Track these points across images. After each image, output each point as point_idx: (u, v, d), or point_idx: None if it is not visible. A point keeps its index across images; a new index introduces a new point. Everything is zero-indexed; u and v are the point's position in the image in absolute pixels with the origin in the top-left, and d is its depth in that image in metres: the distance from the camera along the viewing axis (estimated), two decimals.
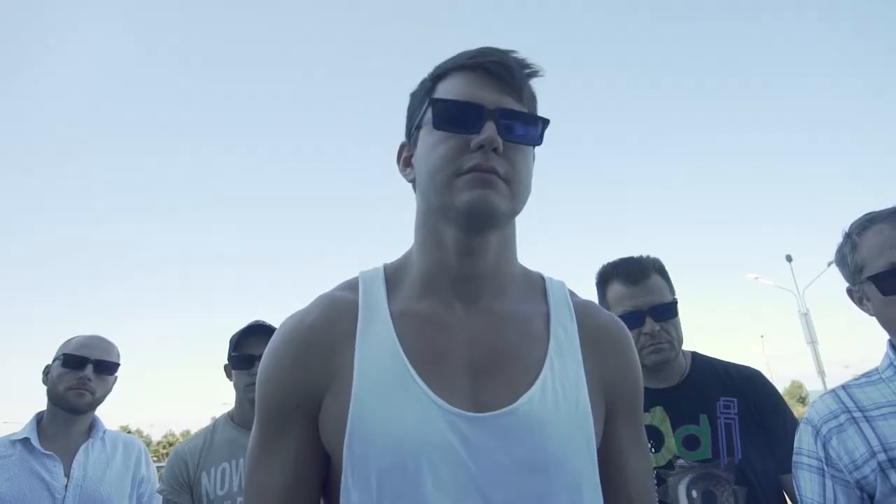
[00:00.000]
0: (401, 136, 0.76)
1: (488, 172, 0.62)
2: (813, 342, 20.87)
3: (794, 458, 0.98)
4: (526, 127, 0.66)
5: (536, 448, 0.60)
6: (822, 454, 0.92)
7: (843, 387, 0.96)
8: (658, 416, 1.24)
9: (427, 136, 0.68)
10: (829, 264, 22.52)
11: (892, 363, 0.92)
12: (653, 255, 1.35)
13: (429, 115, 0.67)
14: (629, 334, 0.74)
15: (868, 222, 0.94)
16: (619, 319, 0.75)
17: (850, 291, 0.98)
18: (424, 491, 0.58)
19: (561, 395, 0.63)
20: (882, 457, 0.84)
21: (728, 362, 1.32)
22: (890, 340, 0.93)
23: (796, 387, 43.43)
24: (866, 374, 0.96)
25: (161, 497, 1.66)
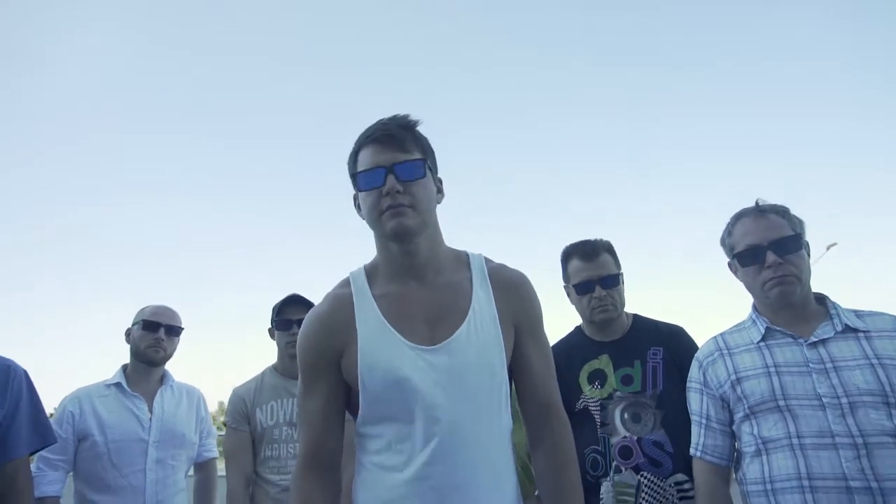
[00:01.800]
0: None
1: (397, 207, 1.00)
2: None
3: (687, 385, 1.38)
4: (413, 169, 1.03)
5: (465, 360, 1.00)
6: (702, 379, 1.32)
7: (721, 334, 1.35)
8: (604, 361, 1.63)
9: (360, 193, 1.06)
10: (829, 248, 22.67)
11: (751, 317, 1.30)
12: (666, 233, 1.72)
13: (357, 180, 1.06)
14: (528, 281, 1.13)
15: (739, 216, 1.31)
16: (521, 272, 1.14)
17: (729, 265, 1.35)
18: (406, 395, 0.98)
19: (481, 328, 1.03)
20: (734, 377, 1.23)
21: (660, 321, 1.70)
22: (753, 303, 1.32)
23: None
24: (736, 325, 1.34)
25: (214, 433, 2.09)
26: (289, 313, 1.91)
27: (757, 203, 1.32)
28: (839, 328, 1.19)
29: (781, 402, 1.15)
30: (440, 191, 1.11)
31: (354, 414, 1.07)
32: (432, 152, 1.10)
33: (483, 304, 1.05)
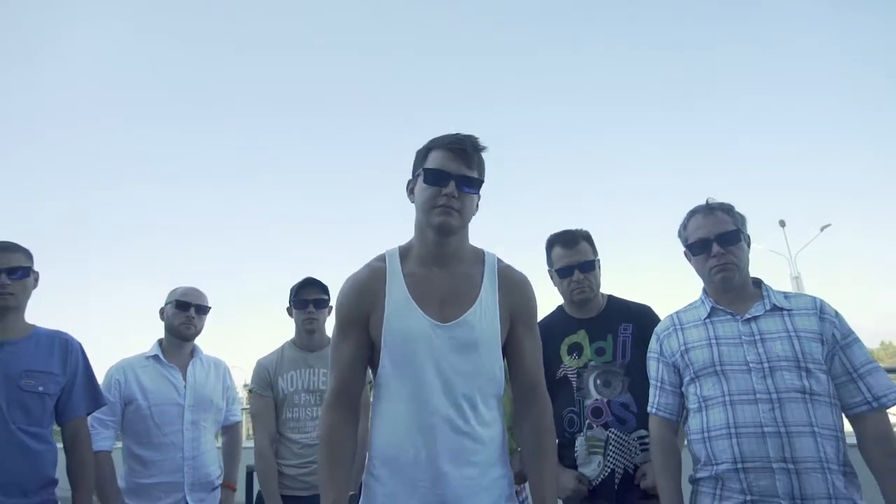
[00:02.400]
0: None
1: (449, 207, 1.23)
2: None
3: (647, 355, 1.63)
4: (471, 186, 1.26)
5: (470, 337, 1.24)
6: (658, 349, 1.57)
7: (677, 312, 1.60)
8: (581, 336, 1.88)
9: (421, 184, 1.27)
10: (823, 229, 22.95)
11: (700, 298, 1.55)
12: (655, 217, 1.93)
13: (422, 174, 1.27)
14: (529, 282, 1.36)
15: (692, 213, 1.55)
16: (524, 275, 1.37)
17: (685, 253, 1.60)
18: (417, 358, 1.22)
19: (484, 313, 1.26)
20: (683, 348, 1.49)
21: (631, 301, 1.95)
22: (703, 287, 1.57)
23: None
24: (690, 304, 1.59)
25: (238, 399, 2.35)
26: (304, 294, 2.15)
27: (707, 202, 1.56)
28: (768, 307, 1.44)
29: (718, 368, 1.41)
30: (478, 206, 1.33)
31: (374, 368, 1.32)
32: (485, 171, 1.32)
33: (489, 294, 1.28)
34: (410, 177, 1.35)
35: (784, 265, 23.29)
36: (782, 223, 22.30)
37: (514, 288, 1.33)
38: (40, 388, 1.63)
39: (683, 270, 1.66)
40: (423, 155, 1.31)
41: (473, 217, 1.33)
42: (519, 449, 1.61)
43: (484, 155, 1.31)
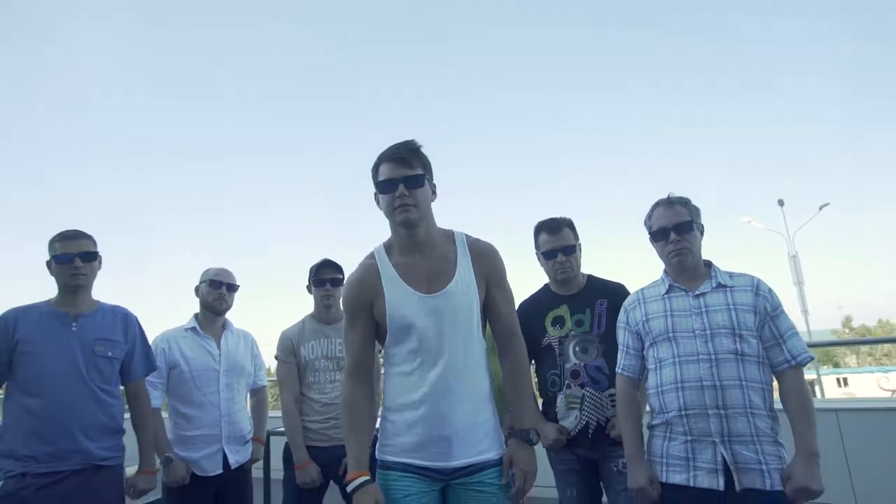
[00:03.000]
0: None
1: (405, 206, 1.49)
2: (799, 283, 21.85)
3: (616, 324, 1.93)
4: (416, 181, 1.51)
5: (452, 303, 1.51)
6: (625, 320, 1.86)
7: (642, 288, 1.88)
8: (563, 309, 2.18)
9: (379, 195, 1.55)
10: (821, 208, 23.08)
11: (661, 277, 1.84)
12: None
13: (377, 187, 1.54)
14: (495, 249, 1.62)
15: (655, 205, 1.83)
16: (490, 243, 1.63)
17: (649, 239, 1.88)
18: (418, 329, 1.50)
19: (463, 283, 1.53)
20: (644, 318, 1.78)
21: (607, 280, 2.23)
22: (664, 268, 1.85)
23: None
24: (653, 282, 1.88)
25: (264, 366, 2.67)
26: (323, 274, 2.45)
27: (668, 196, 1.83)
28: (714, 285, 1.73)
29: (671, 335, 1.70)
30: (434, 192, 1.60)
31: (382, 340, 1.61)
32: (430, 166, 1.58)
33: (464, 267, 1.56)
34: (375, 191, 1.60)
35: (782, 244, 23.50)
36: (781, 202, 22.44)
37: (483, 256, 1.60)
38: (109, 354, 1.94)
39: None
40: (375, 170, 1.58)
41: (433, 202, 1.59)
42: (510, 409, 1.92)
43: (423, 152, 1.57)
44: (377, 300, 1.55)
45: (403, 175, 1.51)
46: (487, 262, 1.60)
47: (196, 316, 2.50)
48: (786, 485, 1.52)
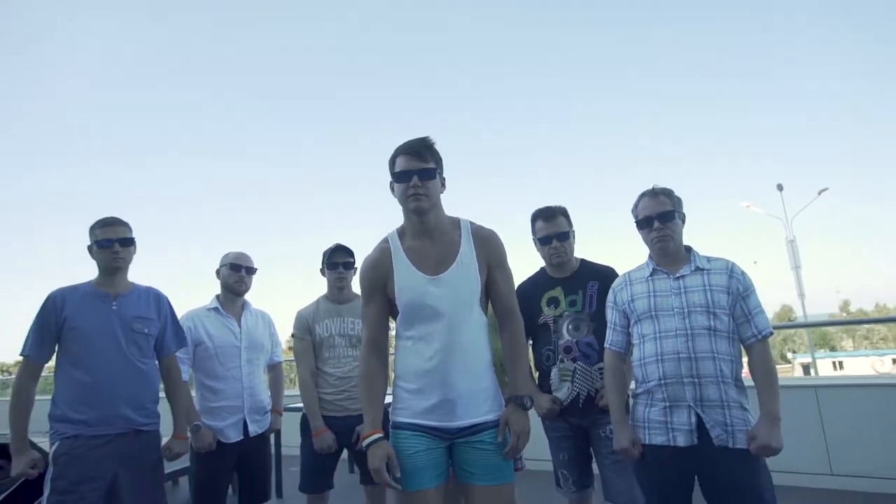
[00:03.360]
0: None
1: (417, 195, 1.67)
2: (796, 267, 22.06)
3: (606, 304, 2.12)
4: (428, 174, 1.67)
5: (456, 284, 1.70)
6: (613, 300, 2.06)
7: (629, 271, 2.07)
8: (558, 291, 2.37)
9: (395, 184, 1.72)
10: (820, 193, 23.16)
11: (646, 261, 2.02)
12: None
13: (393, 177, 1.72)
14: (496, 235, 1.78)
15: (641, 195, 2.01)
16: (492, 230, 1.80)
17: (636, 227, 2.06)
18: (426, 307, 1.68)
19: (466, 266, 1.71)
20: (630, 298, 1.97)
21: (598, 264, 2.42)
22: (649, 253, 2.03)
23: (786, 310, 45.30)
24: (639, 266, 2.06)
25: (281, 343, 2.86)
26: (336, 258, 2.64)
27: (653, 188, 2.01)
28: (693, 268, 1.91)
29: (653, 313, 1.90)
30: (443, 185, 1.77)
31: (395, 315, 1.80)
32: (441, 161, 1.76)
33: (467, 251, 1.74)
34: (390, 181, 1.78)
35: (781, 229, 23.63)
36: (780, 187, 22.54)
37: (485, 242, 1.78)
38: (146, 331, 2.13)
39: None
40: (392, 162, 1.75)
41: (442, 193, 1.76)
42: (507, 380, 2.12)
43: (436, 147, 1.75)
44: (390, 280, 1.73)
45: (418, 168, 1.69)
46: (489, 247, 1.78)
47: (217, 297, 2.69)
48: (750, 444, 1.73)
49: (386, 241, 1.79)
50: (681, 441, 1.79)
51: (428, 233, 1.75)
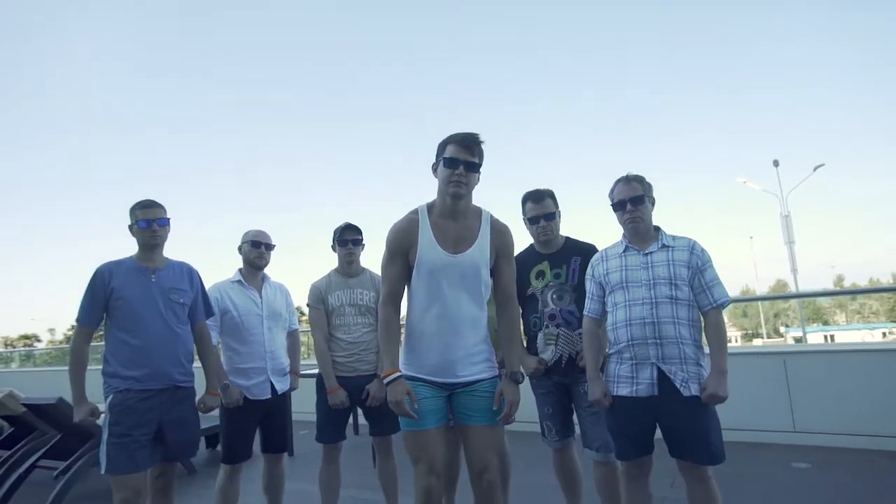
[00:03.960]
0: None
1: (459, 182, 1.95)
2: (790, 242, 22.39)
3: (585, 277, 2.42)
4: (473, 168, 1.95)
5: (468, 264, 1.99)
6: (591, 273, 2.35)
7: (605, 248, 2.36)
8: (545, 265, 2.66)
9: (441, 166, 1.99)
10: (816, 169, 23.32)
11: (621, 239, 2.31)
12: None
13: (442, 160, 1.98)
14: (509, 229, 2.09)
15: (616, 181, 2.28)
16: (506, 225, 2.10)
17: (612, 209, 2.34)
18: (439, 279, 1.99)
19: (479, 251, 2.01)
20: (605, 271, 2.27)
21: (580, 241, 2.70)
22: (623, 232, 2.32)
23: (781, 285, 45.86)
24: (614, 243, 2.35)
25: (295, 312, 3.18)
26: (345, 235, 2.93)
27: (626, 175, 2.29)
28: (660, 245, 2.21)
29: (624, 285, 2.20)
30: (478, 179, 2.03)
31: (409, 281, 2.05)
32: (483, 157, 2.00)
33: (483, 238, 2.03)
34: (434, 160, 2.05)
35: (777, 205, 23.86)
36: (776, 163, 22.70)
37: (499, 234, 2.07)
38: (181, 300, 2.43)
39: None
40: (442, 147, 2.01)
41: (478, 184, 2.03)
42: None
43: (483, 147, 2.00)
44: (413, 248, 2.01)
45: (465, 159, 1.95)
46: (501, 239, 2.07)
47: (240, 270, 2.99)
48: (702, 393, 2.05)
49: (416, 212, 2.06)
50: (643, 392, 2.11)
51: (454, 215, 2.02)
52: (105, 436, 2.21)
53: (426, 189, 2.14)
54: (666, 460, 2.19)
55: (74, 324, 2.37)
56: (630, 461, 2.21)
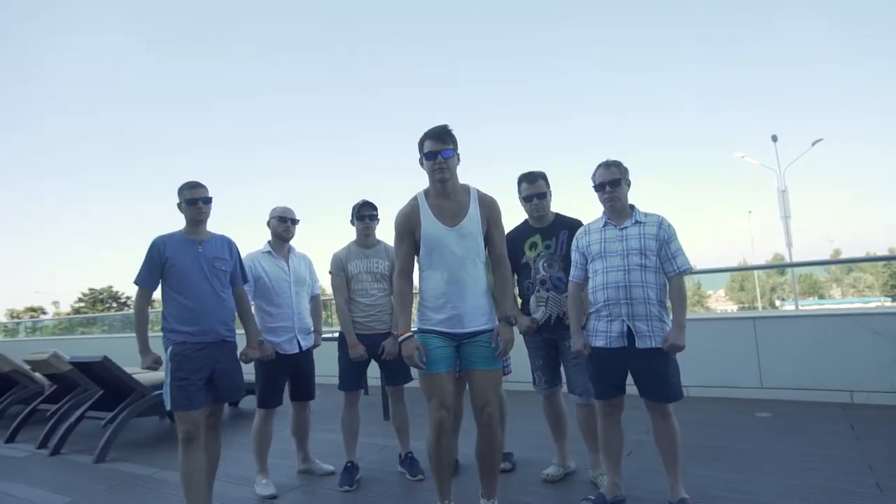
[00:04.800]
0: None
1: (441, 169, 2.35)
2: (786, 217, 22.72)
3: (571, 248, 2.82)
4: (449, 153, 2.34)
5: (465, 233, 2.40)
6: (576, 244, 2.75)
7: (588, 223, 2.76)
8: (537, 238, 3.06)
9: (424, 160, 2.39)
10: (814, 143, 23.46)
11: (601, 215, 2.71)
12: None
13: (423, 155, 2.38)
14: (495, 200, 2.49)
15: (598, 166, 2.66)
16: (492, 196, 2.50)
17: (594, 190, 2.73)
18: (443, 248, 2.40)
19: (472, 221, 2.41)
20: (587, 242, 2.67)
21: (568, 217, 3.09)
22: (604, 210, 2.71)
23: (778, 259, 46.24)
24: (596, 219, 2.75)
25: (318, 279, 3.60)
26: (363, 211, 3.33)
27: (606, 160, 2.67)
28: (633, 222, 2.60)
29: (603, 255, 2.60)
30: (459, 160, 2.43)
31: (418, 254, 2.48)
32: (457, 143, 2.40)
33: (473, 210, 2.43)
34: (419, 156, 2.43)
35: (775, 179, 24.08)
36: (774, 138, 22.86)
37: (487, 205, 2.48)
38: (224, 268, 2.84)
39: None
40: (421, 144, 2.41)
41: (458, 166, 2.43)
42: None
43: (454, 133, 2.39)
44: (418, 228, 2.42)
45: (441, 149, 2.36)
46: (489, 209, 2.48)
47: (269, 242, 3.40)
48: (664, 343, 2.47)
49: (416, 198, 2.47)
50: (615, 344, 2.54)
51: (446, 194, 2.43)
52: (168, 380, 2.64)
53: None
54: (642, 412, 2.63)
55: (134, 286, 2.78)
56: (605, 400, 2.66)
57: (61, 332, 17.71)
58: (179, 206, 2.83)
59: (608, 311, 2.56)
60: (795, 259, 23.23)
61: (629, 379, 2.59)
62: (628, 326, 2.52)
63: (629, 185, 2.69)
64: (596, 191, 2.68)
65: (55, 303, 56.88)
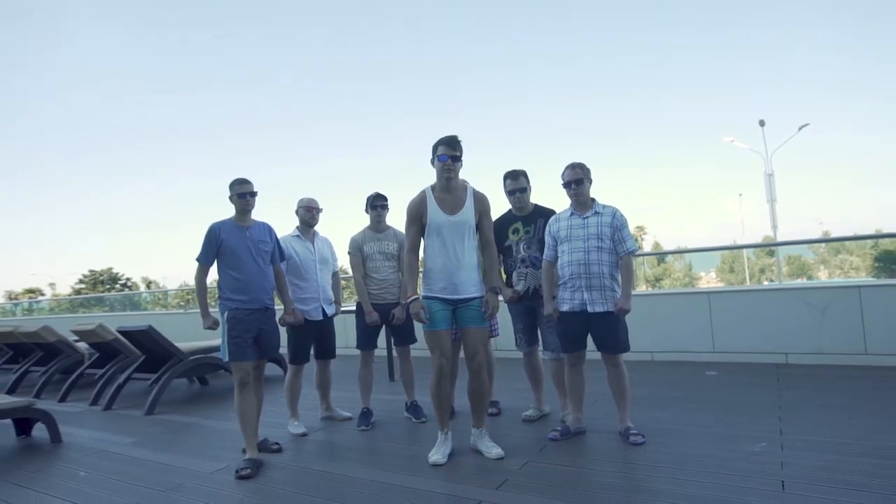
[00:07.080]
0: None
1: (449, 170, 3.03)
2: (772, 200, 23.45)
3: (545, 233, 3.51)
4: (458, 159, 3.03)
5: (461, 222, 3.08)
6: (549, 230, 3.45)
7: (559, 213, 3.45)
8: (519, 224, 3.74)
9: (436, 161, 3.07)
10: (801, 128, 24.06)
11: (569, 207, 3.39)
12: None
13: (436, 157, 3.06)
14: (485, 196, 3.19)
15: (566, 167, 3.34)
16: (483, 193, 3.20)
17: (562, 187, 3.41)
18: (444, 233, 3.09)
19: (468, 212, 3.10)
20: (557, 229, 3.36)
21: (545, 207, 3.78)
22: (571, 203, 3.40)
23: (767, 241, 47.11)
24: (565, 209, 3.43)
25: (338, 260, 4.30)
26: (376, 201, 4.02)
27: (572, 162, 3.35)
28: (593, 213, 3.29)
29: (569, 239, 3.29)
30: (462, 163, 3.07)
31: (424, 237, 3.17)
32: (463, 150, 3.06)
33: (469, 204, 3.10)
34: (431, 156, 3.10)
35: (762, 164, 24.73)
36: (762, 122, 23.45)
37: (479, 200, 3.15)
38: (266, 249, 3.51)
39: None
40: (435, 148, 3.07)
41: (462, 168, 3.09)
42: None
43: (462, 143, 3.05)
44: (425, 215, 3.09)
45: (451, 154, 3.03)
46: (481, 204, 3.16)
47: (297, 227, 4.08)
48: (615, 308, 3.18)
49: (424, 191, 3.14)
50: (577, 308, 3.25)
51: (449, 190, 3.10)
52: (225, 338, 3.34)
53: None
54: (605, 371, 3.35)
55: (195, 263, 3.46)
56: (570, 353, 3.38)
57: (59, 311, 18.54)
58: (231, 198, 3.49)
59: (572, 283, 3.27)
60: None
61: (590, 339, 3.32)
62: (586, 295, 3.23)
63: (591, 182, 3.37)
64: (564, 187, 3.37)
65: (51, 284, 57.42)
